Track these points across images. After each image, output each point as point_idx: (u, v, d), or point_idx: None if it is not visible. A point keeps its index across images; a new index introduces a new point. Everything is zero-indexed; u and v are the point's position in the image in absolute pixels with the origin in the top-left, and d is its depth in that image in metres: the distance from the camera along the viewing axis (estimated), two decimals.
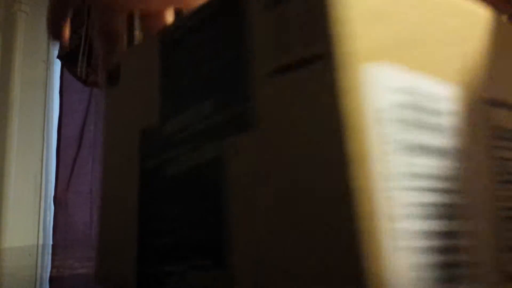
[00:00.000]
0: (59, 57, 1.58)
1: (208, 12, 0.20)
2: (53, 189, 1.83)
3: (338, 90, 0.14)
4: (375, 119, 0.14)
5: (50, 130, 1.95)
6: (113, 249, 0.24)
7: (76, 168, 1.79)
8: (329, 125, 0.14)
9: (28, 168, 1.88)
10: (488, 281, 0.16)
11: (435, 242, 0.14)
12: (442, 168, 0.15)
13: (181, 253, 0.19)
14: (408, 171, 0.14)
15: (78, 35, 1.40)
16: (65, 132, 1.83)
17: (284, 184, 0.15)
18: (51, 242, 1.76)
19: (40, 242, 1.84)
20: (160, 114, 0.22)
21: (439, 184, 0.15)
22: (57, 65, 1.91)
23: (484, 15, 0.19)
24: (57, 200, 1.80)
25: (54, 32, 0.31)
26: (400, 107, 0.15)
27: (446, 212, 0.15)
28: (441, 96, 0.16)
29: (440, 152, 0.16)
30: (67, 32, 0.32)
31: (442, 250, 0.14)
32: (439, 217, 0.15)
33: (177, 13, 0.31)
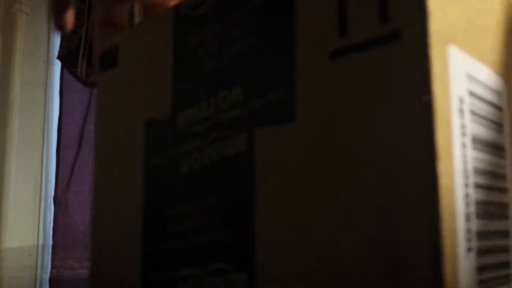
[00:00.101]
0: (59, 57, 1.58)
1: None
2: (53, 189, 1.83)
3: (422, 75, 0.12)
4: (457, 109, 0.13)
5: (50, 130, 1.95)
6: (112, 249, 0.23)
7: (76, 168, 1.79)
8: (410, 116, 0.12)
9: (28, 168, 1.88)
10: None
11: (493, 243, 0.14)
12: (496, 165, 0.14)
13: (198, 256, 0.17)
14: (476, 167, 0.13)
15: (78, 35, 1.40)
16: (65, 132, 1.82)
17: (338, 183, 0.14)
18: (51, 242, 1.76)
19: (40, 242, 1.84)
20: (171, 103, 0.19)
21: (494, 182, 0.14)
22: (57, 65, 1.91)
23: None
24: (57, 200, 1.80)
25: (58, 22, 0.31)
26: (471, 97, 0.13)
27: (500, 211, 0.14)
28: (494, 88, 0.15)
29: (495, 147, 0.15)
30: (70, 20, 0.32)
31: (498, 251, 0.14)
32: (496, 216, 0.14)
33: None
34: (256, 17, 0.16)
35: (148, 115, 0.20)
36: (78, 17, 1.28)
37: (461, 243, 0.12)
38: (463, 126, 0.13)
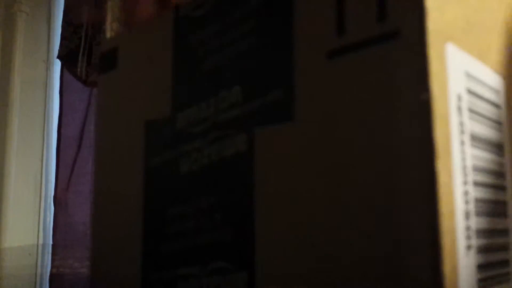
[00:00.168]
0: (59, 57, 1.58)
1: None
2: (53, 189, 1.83)
3: (420, 73, 0.12)
4: (456, 107, 0.13)
5: (50, 130, 1.95)
6: (112, 249, 0.23)
7: (76, 168, 1.78)
8: (409, 114, 0.12)
9: (28, 168, 1.87)
10: None
11: (493, 241, 0.14)
12: (495, 162, 0.14)
13: (198, 255, 0.18)
14: (474, 164, 0.13)
15: (78, 34, 1.40)
16: (65, 132, 1.82)
17: (338, 183, 0.14)
18: (51, 242, 1.76)
19: (40, 242, 1.84)
20: (171, 103, 0.19)
21: (494, 180, 0.14)
22: (57, 65, 1.91)
23: None
24: (57, 200, 1.80)
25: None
26: (469, 95, 0.14)
27: (499, 209, 0.14)
28: (493, 86, 0.15)
29: (494, 145, 0.15)
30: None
31: (497, 249, 0.14)
32: (495, 214, 0.14)
33: None
34: (256, 17, 0.16)
35: (148, 115, 0.20)
36: (79, 16, 1.28)
37: (461, 241, 0.12)
38: (461, 124, 0.13)
